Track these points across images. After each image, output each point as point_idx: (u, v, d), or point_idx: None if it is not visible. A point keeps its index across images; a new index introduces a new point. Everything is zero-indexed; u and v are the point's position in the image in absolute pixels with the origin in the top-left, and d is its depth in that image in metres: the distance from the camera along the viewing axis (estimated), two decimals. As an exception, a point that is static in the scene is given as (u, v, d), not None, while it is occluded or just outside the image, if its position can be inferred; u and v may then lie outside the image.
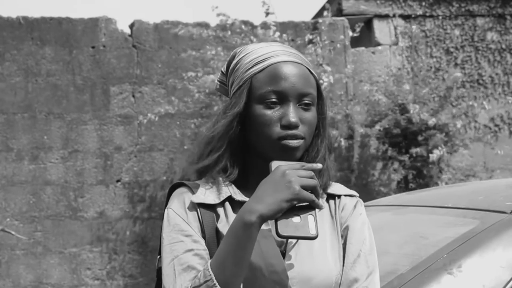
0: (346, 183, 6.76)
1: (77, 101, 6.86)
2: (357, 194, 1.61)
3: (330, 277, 1.47)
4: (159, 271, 1.53)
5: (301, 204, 1.37)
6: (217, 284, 1.35)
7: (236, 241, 1.36)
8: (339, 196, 1.58)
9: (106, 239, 6.80)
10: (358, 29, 6.92)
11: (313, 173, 1.39)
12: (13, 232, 6.38)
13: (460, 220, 2.09)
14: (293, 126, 1.46)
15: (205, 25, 6.84)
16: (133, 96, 6.95)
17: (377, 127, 6.53)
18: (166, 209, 1.53)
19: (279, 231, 1.35)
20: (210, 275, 1.36)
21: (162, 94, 6.95)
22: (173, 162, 6.95)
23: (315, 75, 1.55)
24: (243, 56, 1.56)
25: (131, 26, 7.05)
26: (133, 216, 6.86)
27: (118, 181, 6.88)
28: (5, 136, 6.75)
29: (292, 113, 1.46)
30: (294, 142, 1.46)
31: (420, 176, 6.72)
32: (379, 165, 7.16)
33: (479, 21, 7.76)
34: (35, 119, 6.79)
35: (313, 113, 1.51)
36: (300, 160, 1.51)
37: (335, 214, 1.56)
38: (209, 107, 6.53)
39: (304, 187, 1.36)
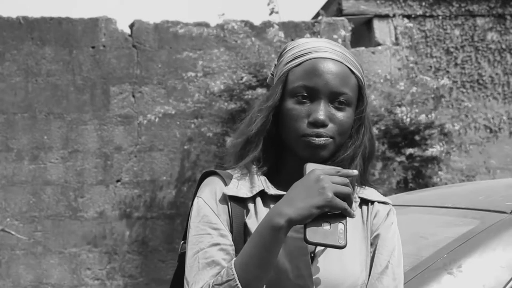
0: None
1: (77, 101, 6.86)
2: (391, 202, 1.56)
3: (355, 285, 1.44)
4: (181, 256, 1.52)
5: (333, 211, 1.33)
6: (239, 284, 1.32)
7: (262, 243, 1.33)
8: (372, 202, 1.54)
9: (106, 239, 6.80)
10: (349, 28, 6.90)
11: (348, 180, 1.35)
12: (13, 232, 6.38)
13: (460, 220, 2.09)
14: (320, 124, 1.42)
15: (205, 25, 6.84)
16: (133, 96, 6.95)
17: (374, 129, 6.52)
18: (196, 198, 1.49)
19: (307, 237, 1.32)
20: (233, 274, 1.33)
21: (162, 94, 6.95)
22: (173, 162, 6.95)
23: (359, 76, 1.50)
24: (288, 50, 1.53)
25: (131, 26, 7.05)
26: (133, 216, 6.86)
27: (118, 181, 6.88)
28: (5, 136, 6.75)
29: (321, 111, 1.43)
30: (317, 140, 1.42)
31: (419, 176, 6.72)
32: (379, 165, 7.16)
33: (479, 21, 7.76)
34: (35, 119, 6.79)
35: (347, 113, 1.46)
36: (327, 160, 1.47)
37: (367, 220, 1.52)
38: (209, 107, 6.53)
39: (337, 194, 1.32)
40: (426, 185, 6.60)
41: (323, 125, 1.43)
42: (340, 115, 1.45)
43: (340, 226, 1.34)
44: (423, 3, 7.68)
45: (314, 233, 1.32)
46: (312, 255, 1.44)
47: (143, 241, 6.86)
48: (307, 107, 1.44)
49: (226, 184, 1.48)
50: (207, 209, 1.46)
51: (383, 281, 1.46)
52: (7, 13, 7.08)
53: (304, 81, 1.45)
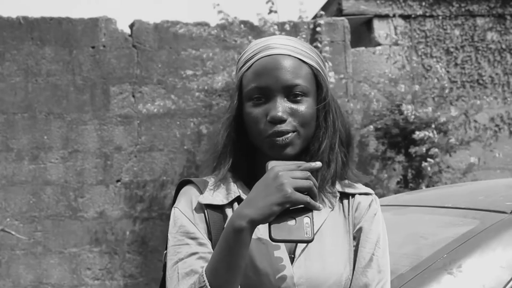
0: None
1: (77, 101, 6.86)
2: (372, 192, 1.55)
3: (339, 281, 1.43)
4: (165, 266, 1.51)
5: (297, 206, 1.32)
6: None
7: (227, 246, 1.32)
8: (353, 195, 1.52)
9: (106, 239, 6.80)
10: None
11: (309, 174, 1.34)
12: (13, 232, 6.38)
13: (460, 220, 2.09)
14: (277, 121, 1.41)
15: (205, 25, 6.84)
16: (133, 96, 6.95)
17: (371, 127, 6.54)
18: (173, 208, 1.50)
19: (272, 235, 1.31)
20: (204, 281, 1.34)
21: (162, 94, 6.95)
22: (173, 162, 6.95)
23: (313, 64, 1.49)
24: (241, 55, 1.53)
25: (131, 26, 7.05)
26: (133, 216, 6.86)
27: (118, 181, 6.88)
28: (5, 136, 6.75)
29: (277, 108, 1.42)
30: (281, 139, 1.42)
31: (419, 176, 6.72)
32: (379, 165, 7.17)
33: (479, 21, 7.76)
34: (35, 119, 6.79)
35: (307, 104, 1.45)
36: (303, 153, 1.47)
37: (348, 214, 1.51)
38: (209, 107, 6.53)
39: (298, 189, 1.31)
40: (426, 185, 6.60)
41: (281, 121, 1.42)
42: (299, 107, 1.44)
43: (306, 220, 1.32)
44: (423, 3, 7.68)
45: (279, 230, 1.31)
46: (293, 256, 1.43)
47: (143, 241, 6.85)
48: (264, 108, 1.44)
49: (201, 193, 1.49)
50: (184, 219, 1.46)
51: (368, 274, 1.44)
52: (7, 13, 7.08)
53: (256, 82, 1.44)
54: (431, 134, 6.36)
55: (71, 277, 6.74)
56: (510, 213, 1.95)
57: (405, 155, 6.77)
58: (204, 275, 1.34)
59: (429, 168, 6.40)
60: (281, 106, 1.42)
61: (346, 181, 1.53)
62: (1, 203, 6.70)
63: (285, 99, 1.44)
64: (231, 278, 1.33)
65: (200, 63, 6.74)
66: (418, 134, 6.35)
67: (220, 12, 6.52)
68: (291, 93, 1.44)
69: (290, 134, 1.42)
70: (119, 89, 6.93)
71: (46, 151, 6.78)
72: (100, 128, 6.87)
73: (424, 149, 6.45)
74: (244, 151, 1.50)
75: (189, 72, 6.40)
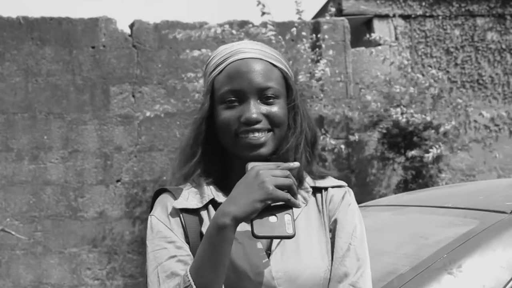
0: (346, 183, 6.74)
1: (77, 101, 6.86)
2: (345, 184, 1.59)
3: (317, 273, 1.46)
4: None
5: (278, 203, 1.36)
6: None
7: (211, 245, 1.35)
8: (326, 189, 1.56)
9: (106, 239, 6.80)
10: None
11: (288, 172, 1.38)
12: (13, 232, 6.38)
13: (460, 220, 2.09)
14: (253, 122, 1.45)
15: (205, 25, 6.84)
16: (133, 96, 6.95)
17: (377, 130, 6.54)
18: (149, 216, 1.53)
19: (255, 231, 1.34)
20: (189, 280, 1.36)
21: (162, 94, 6.95)
22: (173, 162, 6.95)
23: (283, 68, 1.54)
24: (210, 60, 1.57)
25: (131, 26, 7.05)
26: (133, 216, 6.86)
27: (118, 181, 6.88)
28: (5, 136, 6.75)
29: (251, 109, 1.46)
30: (256, 137, 1.46)
31: (419, 176, 6.72)
32: (379, 165, 7.17)
33: (479, 21, 7.76)
34: (35, 119, 6.79)
35: (279, 105, 1.49)
36: (271, 155, 1.50)
37: (322, 207, 1.55)
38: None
39: (279, 187, 1.35)
40: (426, 185, 6.59)
41: (256, 122, 1.46)
42: (272, 108, 1.48)
43: (287, 216, 1.36)
44: (423, 3, 7.68)
45: (261, 227, 1.35)
46: (269, 251, 1.47)
47: (143, 241, 6.85)
48: (237, 110, 1.48)
49: (176, 199, 1.52)
50: (161, 225, 1.49)
51: (346, 263, 1.48)
52: (7, 13, 7.08)
53: (229, 85, 1.48)
54: (435, 136, 6.37)
55: (71, 277, 6.74)
56: (510, 213, 1.95)
57: (405, 155, 6.77)
58: (189, 275, 1.37)
59: (435, 151, 6.39)
60: (255, 108, 1.47)
61: (318, 176, 1.57)
62: (1, 203, 6.70)
63: (258, 101, 1.48)
64: (216, 277, 1.36)
65: (200, 63, 6.74)
66: (423, 132, 6.36)
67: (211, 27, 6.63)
68: (264, 96, 1.48)
69: (264, 133, 1.47)
70: (119, 89, 6.93)
71: (46, 151, 6.78)
72: (100, 128, 6.87)
73: (422, 153, 6.44)
74: (216, 154, 1.54)
75: (190, 75, 6.41)
